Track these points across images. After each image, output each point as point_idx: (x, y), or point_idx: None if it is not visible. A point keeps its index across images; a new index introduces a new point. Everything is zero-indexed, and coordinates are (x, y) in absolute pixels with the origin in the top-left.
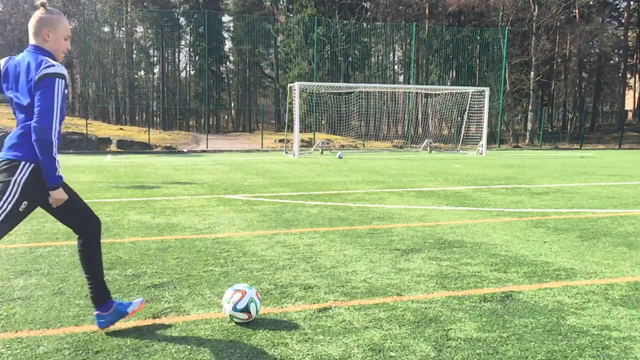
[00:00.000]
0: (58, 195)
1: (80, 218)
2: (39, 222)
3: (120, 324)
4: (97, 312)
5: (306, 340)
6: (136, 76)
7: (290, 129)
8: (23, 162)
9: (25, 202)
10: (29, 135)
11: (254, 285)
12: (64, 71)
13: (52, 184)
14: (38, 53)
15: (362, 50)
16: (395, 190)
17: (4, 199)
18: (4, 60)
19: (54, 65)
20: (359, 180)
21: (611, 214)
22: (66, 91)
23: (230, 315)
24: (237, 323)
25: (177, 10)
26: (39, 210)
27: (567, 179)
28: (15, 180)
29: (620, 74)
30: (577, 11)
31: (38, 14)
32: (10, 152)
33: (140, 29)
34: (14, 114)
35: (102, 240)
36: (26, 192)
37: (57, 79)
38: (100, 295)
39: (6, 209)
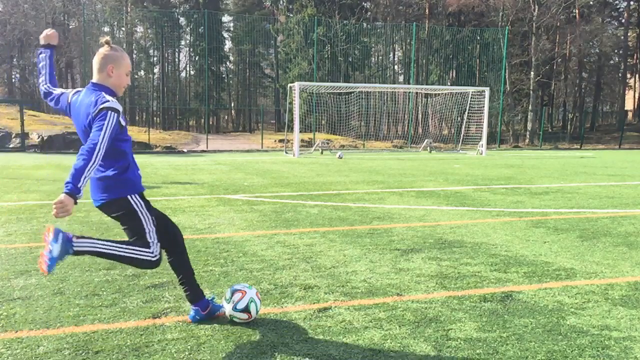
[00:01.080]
0: (67, 201)
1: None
2: (39, 222)
3: (120, 324)
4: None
5: (306, 340)
6: (136, 76)
7: (290, 129)
8: (128, 196)
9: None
10: (110, 178)
11: (254, 285)
12: (119, 106)
13: (70, 189)
14: (97, 90)
15: (362, 50)
16: (395, 190)
17: (145, 222)
18: (71, 93)
19: (108, 101)
20: (359, 180)
21: (611, 214)
22: (123, 123)
23: (230, 315)
24: (237, 323)
25: (177, 10)
26: (38, 210)
27: (567, 179)
28: (137, 207)
29: (620, 74)
30: (577, 11)
31: (103, 51)
32: (108, 194)
33: (140, 29)
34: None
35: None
36: (149, 209)
37: (109, 112)
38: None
39: (152, 228)
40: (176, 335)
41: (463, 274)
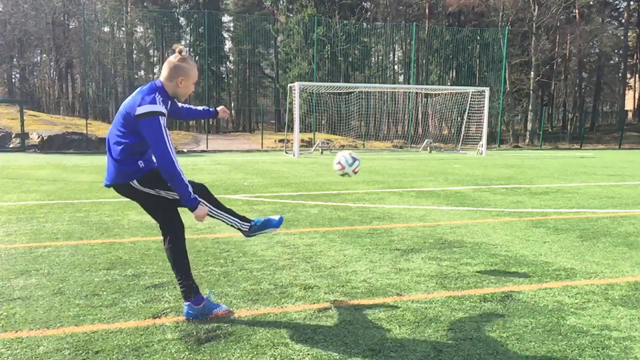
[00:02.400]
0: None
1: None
2: (39, 222)
3: (121, 324)
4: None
5: (306, 340)
6: (136, 76)
7: (290, 129)
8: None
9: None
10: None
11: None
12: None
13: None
14: (153, 91)
15: (362, 50)
16: (395, 190)
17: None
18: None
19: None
20: (359, 180)
21: (611, 214)
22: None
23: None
24: (236, 322)
25: (177, 10)
26: (38, 210)
27: (567, 179)
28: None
29: (620, 74)
30: (577, 11)
31: (175, 61)
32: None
33: (140, 29)
34: None
35: (101, 241)
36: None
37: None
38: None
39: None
40: (176, 335)
41: (463, 274)
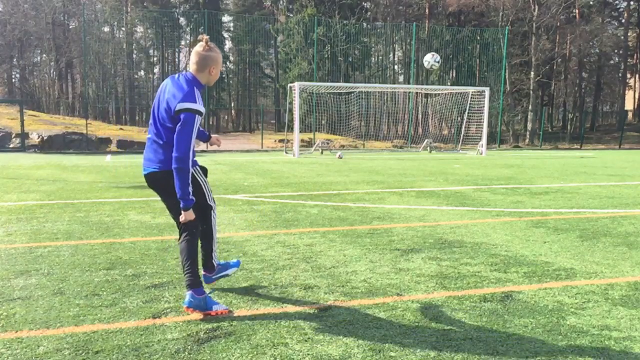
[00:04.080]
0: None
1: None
2: (39, 222)
3: (121, 324)
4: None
5: (306, 340)
6: (136, 76)
7: (290, 129)
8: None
9: None
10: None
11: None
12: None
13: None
14: (188, 84)
15: (362, 50)
16: (395, 190)
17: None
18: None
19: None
20: (359, 180)
21: (611, 214)
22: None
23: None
24: (236, 322)
25: (177, 10)
26: (38, 210)
27: (567, 179)
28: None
29: (620, 74)
30: (577, 11)
31: (203, 51)
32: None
33: (140, 29)
34: None
35: (101, 241)
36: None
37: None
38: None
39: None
40: (176, 335)
41: (463, 274)
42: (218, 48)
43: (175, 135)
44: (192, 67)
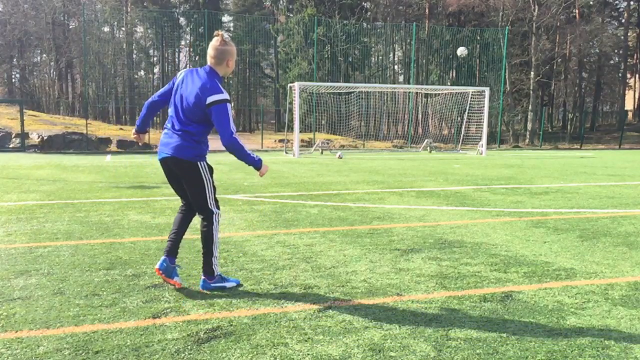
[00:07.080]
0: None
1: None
2: (39, 222)
3: (121, 324)
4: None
5: (306, 340)
6: (136, 76)
7: (290, 129)
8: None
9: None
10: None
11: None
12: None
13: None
14: (211, 77)
15: (362, 50)
16: (395, 190)
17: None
18: (180, 75)
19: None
20: (359, 180)
21: (611, 214)
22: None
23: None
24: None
25: (177, 10)
26: (38, 210)
27: (567, 179)
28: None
29: (620, 74)
30: (577, 11)
31: (220, 45)
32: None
33: (140, 29)
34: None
35: (101, 241)
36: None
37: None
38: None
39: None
40: (176, 335)
41: (463, 274)
42: (232, 41)
43: (216, 127)
44: (210, 61)
